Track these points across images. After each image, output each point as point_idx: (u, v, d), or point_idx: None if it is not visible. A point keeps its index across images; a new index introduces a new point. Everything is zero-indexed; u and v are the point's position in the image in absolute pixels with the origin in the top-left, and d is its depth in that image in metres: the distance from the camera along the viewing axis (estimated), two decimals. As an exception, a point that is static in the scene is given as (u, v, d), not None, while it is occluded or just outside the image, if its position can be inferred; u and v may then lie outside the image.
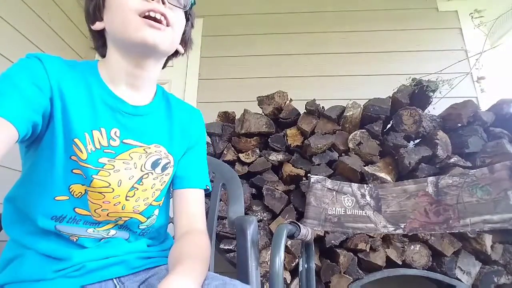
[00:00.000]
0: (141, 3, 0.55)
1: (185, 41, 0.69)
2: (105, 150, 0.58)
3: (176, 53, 0.68)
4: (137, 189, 0.61)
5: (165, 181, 0.67)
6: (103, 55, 0.65)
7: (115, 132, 0.59)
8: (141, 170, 0.62)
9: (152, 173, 0.63)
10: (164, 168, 0.65)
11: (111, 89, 0.60)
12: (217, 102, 1.90)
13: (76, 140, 0.55)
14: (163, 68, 0.69)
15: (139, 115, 0.63)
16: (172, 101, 0.71)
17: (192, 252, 0.57)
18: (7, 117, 0.46)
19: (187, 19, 0.67)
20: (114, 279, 0.58)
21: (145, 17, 0.55)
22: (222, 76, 2.01)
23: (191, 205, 0.68)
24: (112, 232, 0.62)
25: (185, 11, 0.64)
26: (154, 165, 0.64)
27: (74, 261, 0.55)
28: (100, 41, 0.64)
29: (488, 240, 1.22)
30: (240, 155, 1.48)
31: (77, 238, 0.58)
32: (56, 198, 0.55)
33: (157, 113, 0.67)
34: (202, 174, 0.73)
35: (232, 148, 1.51)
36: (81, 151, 0.55)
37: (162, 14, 0.57)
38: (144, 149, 0.62)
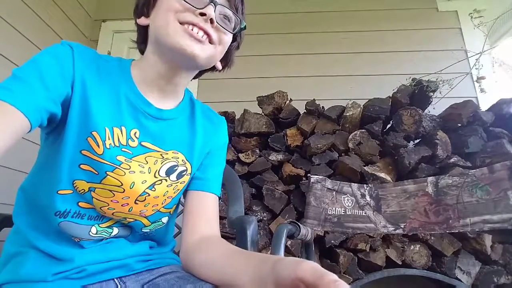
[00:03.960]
0: (187, 14, 0.54)
1: (226, 60, 0.68)
2: (123, 149, 0.57)
3: (212, 67, 0.65)
4: (149, 194, 0.60)
5: (178, 189, 0.65)
6: (142, 52, 0.64)
7: (135, 133, 0.58)
8: (155, 177, 0.60)
9: (166, 179, 0.62)
10: (179, 176, 0.64)
11: (140, 89, 0.60)
12: (217, 102, 1.89)
13: (94, 133, 0.53)
14: (193, 78, 0.67)
15: (163, 119, 0.62)
16: (197, 107, 0.70)
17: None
18: (19, 107, 0.44)
19: (234, 39, 0.64)
20: (115, 279, 0.58)
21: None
22: (222, 76, 2.00)
23: (211, 209, 0.66)
24: (115, 230, 0.62)
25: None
26: (169, 171, 0.62)
27: (76, 263, 0.55)
28: (141, 37, 0.64)
29: (488, 240, 1.22)
30: (240, 155, 1.48)
31: (79, 239, 0.58)
32: (59, 192, 0.54)
33: (181, 119, 0.66)
34: (218, 181, 0.71)
35: (232, 148, 1.51)
36: (98, 146, 0.54)
37: (206, 33, 0.55)
38: (161, 154, 0.61)
